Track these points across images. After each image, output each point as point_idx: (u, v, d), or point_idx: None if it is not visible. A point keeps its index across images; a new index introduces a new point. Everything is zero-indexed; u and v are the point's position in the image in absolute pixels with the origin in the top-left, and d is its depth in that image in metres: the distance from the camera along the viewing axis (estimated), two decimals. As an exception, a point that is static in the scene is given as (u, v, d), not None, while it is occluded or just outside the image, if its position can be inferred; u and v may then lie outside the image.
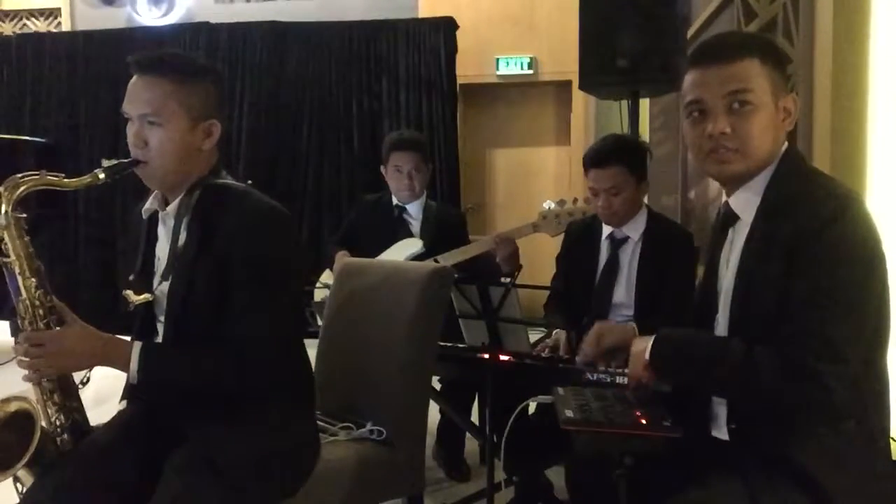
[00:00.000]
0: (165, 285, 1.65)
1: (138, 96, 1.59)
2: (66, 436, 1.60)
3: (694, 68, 1.45)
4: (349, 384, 2.04)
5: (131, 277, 1.72)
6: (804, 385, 1.25)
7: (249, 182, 1.74)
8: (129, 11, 7.00)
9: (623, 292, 2.50)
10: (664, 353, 1.43)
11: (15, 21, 7.33)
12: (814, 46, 2.35)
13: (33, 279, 1.57)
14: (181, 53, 1.67)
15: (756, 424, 1.39)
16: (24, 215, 1.57)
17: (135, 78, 1.61)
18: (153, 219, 1.74)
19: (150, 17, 6.99)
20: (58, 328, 1.57)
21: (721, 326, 1.49)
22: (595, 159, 2.43)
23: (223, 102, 1.71)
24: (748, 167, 1.43)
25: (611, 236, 2.53)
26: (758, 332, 1.34)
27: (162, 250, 1.70)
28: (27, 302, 1.56)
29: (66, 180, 1.58)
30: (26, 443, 1.51)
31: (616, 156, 2.41)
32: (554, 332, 2.42)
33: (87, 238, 6.47)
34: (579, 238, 2.64)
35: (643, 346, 1.45)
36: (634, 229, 2.50)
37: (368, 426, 1.89)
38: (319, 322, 2.52)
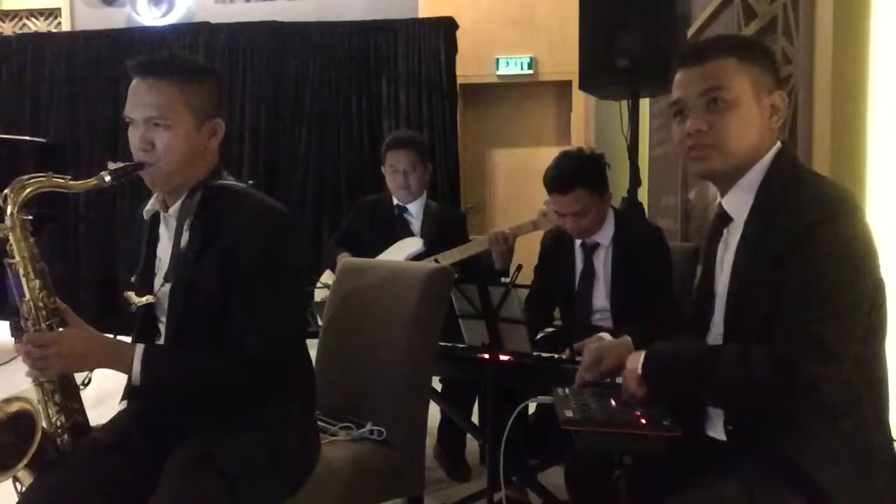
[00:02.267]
0: (167, 286, 1.65)
1: (142, 99, 1.59)
2: (66, 436, 1.60)
3: (677, 70, 1.50)
4: (349, 384, 2.04)
5: (133, 279, 1.72)
6: (795, 385, 1.26)
7: (251, 182, 1.74)
8: (129, 11, 7.00)
9: (601, 297, 2.54)
10: (657, 368, 1.43)
11: (15, 21, 7.33)
12: (814, 46, 2.35)
13: (37, 281, 1.57)
14: (181, 54, 1.68)
15: (753, 425, 1.39)
16: (30, 217, 1.57)
17: (136, 81, 1.61)
18: (155, 220, 1.74)
19: (150, 17, 6.99)
20: (61, 329, 1.57)
21: (717, 328, 1.49)
22: (555, 185, 2.45)
23: (224, 101, 1.72)
24: (727, 163, 1.44)
25: (583, 244, 2.57)
26: (753, 333, 1.34)
27: (164, 251, 1.70)
28: (31, 303, 1.56)
29: (71, 182, 1.58)
30: (27, 443, 1.51)
31: (576, 180, 2.42)
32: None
33: (87, 238, 6.47)
34: (555, 248, 2.69)
35: (636, 363, 1.45)
36: (604, 236, 2.55)
37: (368, 426, 1.89)
38: (319, 322, 2.52)
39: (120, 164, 1.60)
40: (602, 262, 2.55)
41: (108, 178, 1.57)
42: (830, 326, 1.27)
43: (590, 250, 2.56)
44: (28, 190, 1.55)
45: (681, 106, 1.48)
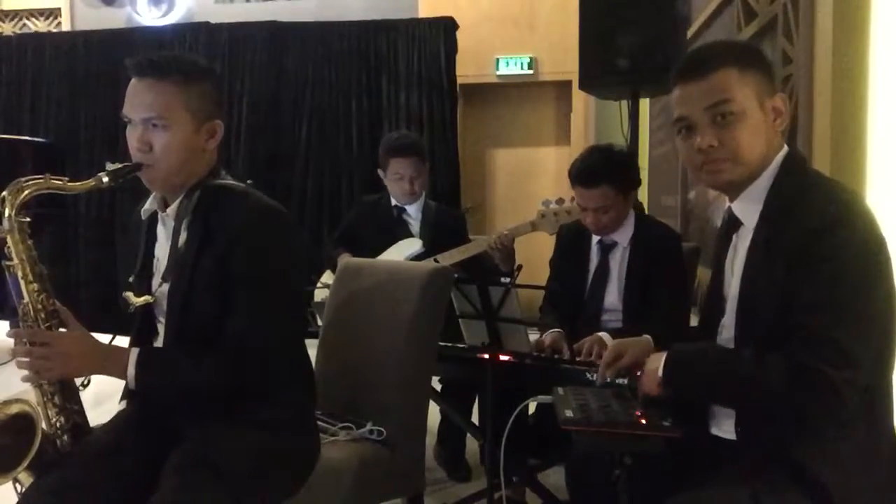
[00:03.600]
0: (165, 286, 1.65)
1: (141, 100, 1.58)
2: (66, 437, 1.60)
3: (677, 85, 1.47)
4: (349, 384, 2.04)
5: (131, 279, 1.72)
6: (815, 392, 1.25)
7: (249, 182, 1.74)
8: (129, 11, 7.00)
9: (614, 296, 2.52)
10: (677, 370, 1.42)
11: (15, 21, 7.32)
12: (814, 46, 2.35)
13: (36, 283, 1.56)
14: (181, 55, 1.66)
15: (763, 427, 1.39)
16: (28, 219, 1.56)
17: (135, 81, 1.60)
18: (152, 220, 1.73)
19: (150, 17, 6.99)
20: (61, 330, 1.57)
21: (727, 331, 1.49)
22: (581, 178, 2.41)
23: (222, 101, 1.71)
24: (741, 174, 1.43)
25: (600, 241, 2.55)
26: (765, 337, 1.34)
27: (161, 251, 1.69)
28: (29, 306, 1.55)
29: (69, 184, 1.57)
30: (27, 445, 1.50)
31: (603, 176, 2.38)
32: (549, 331, 2.42)
33: (86, 238, 6.47)
34: (570, 242, 2.65)
35: (657, 364, 1.45)
36: (623, 236, 2.52)
37: (368, 426, 1.89)
38: (319, 322, 2.52)
39: (118, 165, 1.59)
40: (618, 262, 2.52)
41: (105, 180, 1.56)
42: (849, 331, 1.26)
43: (607, 249, 2.53)
44: (26, 192, 1.54)
45: (686, 123, 1.45)
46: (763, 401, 1.33)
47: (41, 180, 1.55)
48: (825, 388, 1.24)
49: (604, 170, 2.40)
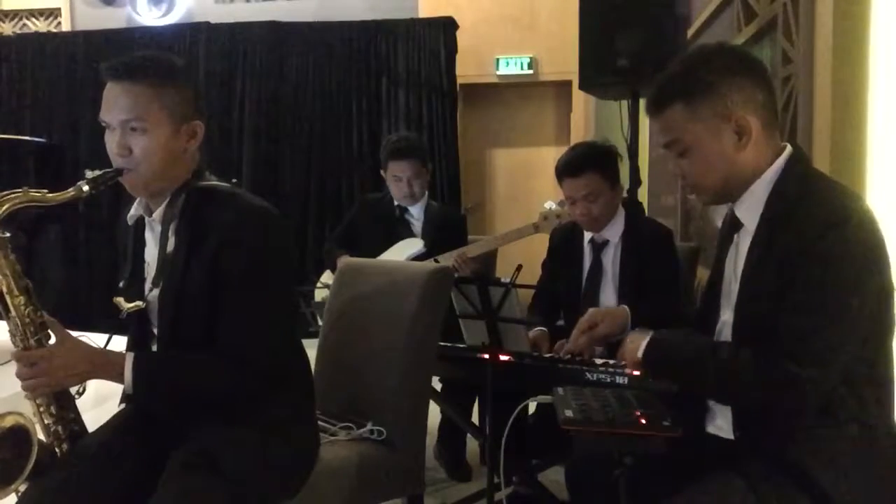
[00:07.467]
0: (156, 291, 1.63)
1: (118, 103, 1.55)
2: (65, 446, 1.58)
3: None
4: (349, 384, 2.04)
5: (121, 284, 1.70)
6: (779, 387, 1.28)
7: (234, 181, 1.72)
8: (129, 11, 7.00)
9: (610, 295, 2.53)
10: (656, 354, 1.47)
11: (15, 21, 7.32)
12: (814, 46, 2.35)
13: (21, 297, 1.53)
14: (156, 55, 1.62)
15: (760, 428, 1.39)
16: (8, 235, 1.53)
17: (110, 84, 1.56)
18: (140, 224, 1.71)
19: (150, 17, 6.99)
20: (51, 342, 1.54)
21: (726, 329, 1.50)
22: (567, 168, 2.45)
23: (202, 102, 1.67)
24: (711, 196, 1.50)
25: (592, 240, 2.56)
26: (762, 339, 1.34)
27: (151, 255, 1.68)
28: (16, 320, 1.52)
29: (49, 195, 1.53)
30: (24, 458, 1.48)
31: (589, 163, 2.43)
32: (533, 330, 2.44)
33: (88, 238, 6.46)
34: (563, 243, 2.67)
35: (638, 343, 1.48)
36: (613, 232, 2.53)
37: (368, 426, 1.89)
38: (319, 322, 2.52)
39: (98, 172, 1.55)
40: (611, 260, 2.53)
41: (86, 188, 1.53)
42: (823, 333, 1.28)
43: (599, 248, 2.54)
44: (4, 207, 1.49)
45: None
46: (732, 391, 1.38)
47: (20, 194, 1.51)
48: (787, 383, 1.27)
49: (588, 157, 2.45)
